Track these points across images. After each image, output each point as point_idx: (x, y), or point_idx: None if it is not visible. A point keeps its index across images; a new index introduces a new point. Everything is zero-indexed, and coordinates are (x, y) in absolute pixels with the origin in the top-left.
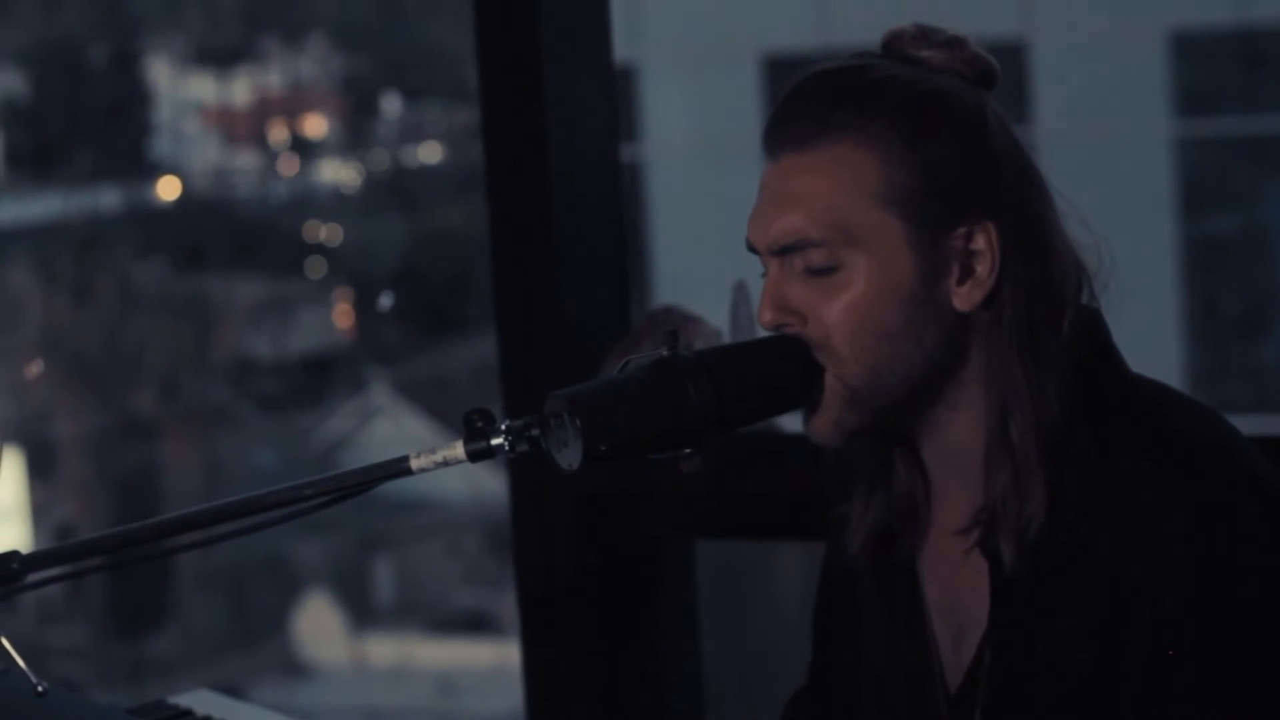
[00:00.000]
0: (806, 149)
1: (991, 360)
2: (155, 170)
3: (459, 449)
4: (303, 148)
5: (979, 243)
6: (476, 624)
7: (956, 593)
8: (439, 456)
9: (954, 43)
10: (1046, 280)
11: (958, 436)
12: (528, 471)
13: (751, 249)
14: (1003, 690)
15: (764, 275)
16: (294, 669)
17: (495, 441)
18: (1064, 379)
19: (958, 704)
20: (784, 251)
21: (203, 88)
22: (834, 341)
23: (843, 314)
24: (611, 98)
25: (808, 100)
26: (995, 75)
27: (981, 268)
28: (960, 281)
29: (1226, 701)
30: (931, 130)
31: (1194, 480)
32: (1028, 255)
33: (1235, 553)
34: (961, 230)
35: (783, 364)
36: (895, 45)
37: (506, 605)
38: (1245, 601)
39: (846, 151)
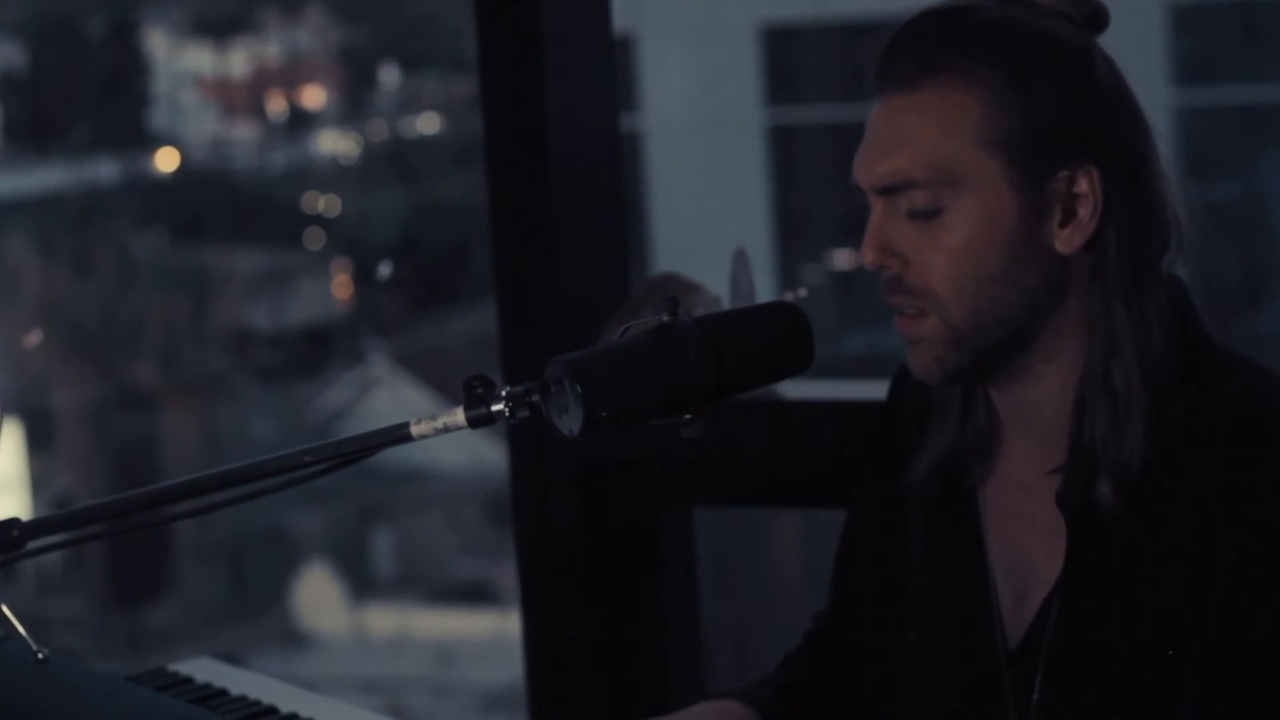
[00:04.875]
0: (912, 90)
1: (1093, 304)
2: (153, 141)
3: (460, 415)
4: (301, 118)
5: (1082, 186)
6: (476, 594)
7: (1022, 552)
8: (440, 423)
9: None
10: (1149, 222)
11: (1040, 391)
12: (528, 440)
13: (856, 188)
14: (1069, 645)
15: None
16: (293, 639)
17: (496, 408)
18: (1165, 318)
19: (1017, 660)
20: (888, 191)
21: (200, 59)
22: (934, 286)
23: (946, 260)
24: (610, 68)
25: (914, 41)
26: (1104, 17)
27: (1084, 211)
28: (1063, 224)
29: None
30: (1037, 73)
31: None
32: (1131, 198)
33: None
34: (1064, 173)
35: (782, 330)
36: None
37: (505, 575)
38: None
39: (951, 93)
